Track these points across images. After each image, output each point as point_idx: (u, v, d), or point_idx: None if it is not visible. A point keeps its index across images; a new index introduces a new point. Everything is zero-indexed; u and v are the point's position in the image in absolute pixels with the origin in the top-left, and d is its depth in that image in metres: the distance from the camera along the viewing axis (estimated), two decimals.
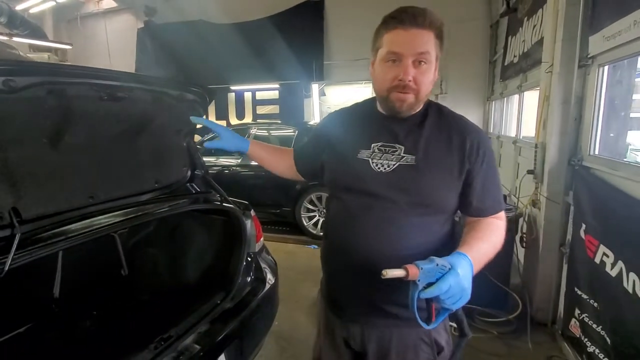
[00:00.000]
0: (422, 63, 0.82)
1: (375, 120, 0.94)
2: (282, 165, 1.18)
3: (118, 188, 1.35)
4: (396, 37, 0.82)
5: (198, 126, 1.52)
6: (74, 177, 1.19)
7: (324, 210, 4.08)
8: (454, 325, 0.86)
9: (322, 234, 4.49)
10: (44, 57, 6.40)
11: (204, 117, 1.34)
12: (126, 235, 1.98)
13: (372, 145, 0.91)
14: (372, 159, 0.90)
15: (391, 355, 0.93)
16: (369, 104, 1.00)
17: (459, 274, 0.71)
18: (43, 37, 6.40)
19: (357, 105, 1.05)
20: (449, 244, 0.91)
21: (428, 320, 0.75)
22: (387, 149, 0.90)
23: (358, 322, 0.96)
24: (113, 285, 1.92)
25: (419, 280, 0.70)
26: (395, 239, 0.87)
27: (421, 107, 0.92)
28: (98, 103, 1.07)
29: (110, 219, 1.23)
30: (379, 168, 0.88)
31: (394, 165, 0.87)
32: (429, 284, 0.70)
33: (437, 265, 0.71)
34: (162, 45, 7.28)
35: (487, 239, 0.86)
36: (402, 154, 0.88)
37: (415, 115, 0.91)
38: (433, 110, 0.93)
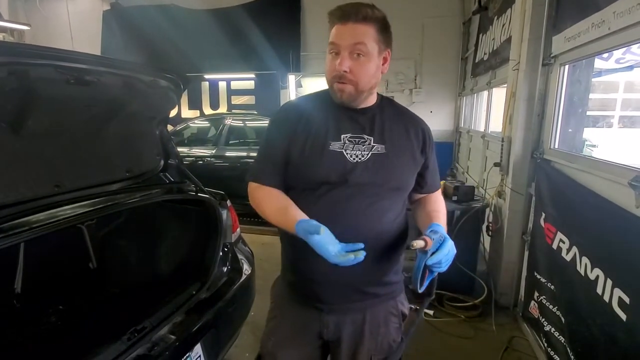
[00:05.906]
0: (360, 55, 0.87)
1: (337, 112, 0.95)
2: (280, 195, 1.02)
3: (86, 177, 1.29)
4: (335, 31, 0.88)
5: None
6: (38, 165, 1.13)
7: None
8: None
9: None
10: None
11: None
12: (94, 226, 1.91)
13: (342, 136, 0.93)
14: (345, 150, 0.92)
15: (365, 333, 0.98)
16: (325, 94, 0.97)
17: (451, 240, 0.85)
18: None
19: (314, 95, 1.02)
20: (406, 218, 1.05)
21: (420, 284, 0.87)
22: (357, 139, 0.93)
23: (335, 312, 0.97)
24: (81, 280, 1.84)
25: (429, 250, 0.82)
26: (377, 221, 0.93)
27: (374, 99, 0.98)
28: (64, 87, 1.01)
29: (77, 209, 1.18)
30: (354, 159, 0.91)
31: (367, 154, 0.92)
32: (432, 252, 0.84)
33: (440, 236, 0.85)
34: (130, 29, 6.91)
35: (443, 210, 1.04)
36: (372, 144, 0.94)
37: (372, 107, 0.98)
38: (386, 103, 1.02)
